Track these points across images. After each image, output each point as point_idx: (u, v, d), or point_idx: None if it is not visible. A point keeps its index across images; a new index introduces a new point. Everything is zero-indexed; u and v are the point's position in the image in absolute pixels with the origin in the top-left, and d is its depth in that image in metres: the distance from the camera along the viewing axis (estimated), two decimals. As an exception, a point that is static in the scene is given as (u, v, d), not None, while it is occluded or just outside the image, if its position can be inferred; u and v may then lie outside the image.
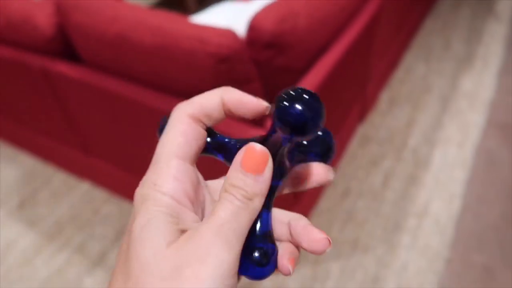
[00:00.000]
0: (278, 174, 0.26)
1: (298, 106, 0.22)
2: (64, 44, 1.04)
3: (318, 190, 1.30)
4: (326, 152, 0.28)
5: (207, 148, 0.27)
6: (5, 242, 1.31)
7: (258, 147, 0.24)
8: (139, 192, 0.24)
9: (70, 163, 1.45)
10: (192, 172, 0.25)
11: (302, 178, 0.28)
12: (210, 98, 0.26)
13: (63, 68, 1.03)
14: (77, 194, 1.43)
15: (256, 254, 0.24)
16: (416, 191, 1.32)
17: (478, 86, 1.70)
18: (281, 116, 0.23)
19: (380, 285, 1.10)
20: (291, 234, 0.26)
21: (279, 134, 0.24)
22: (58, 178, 1.49)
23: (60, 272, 1.22)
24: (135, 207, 0.24)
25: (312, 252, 0.25)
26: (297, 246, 0.26)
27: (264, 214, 0.25)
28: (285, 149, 0.26)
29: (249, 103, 0.26)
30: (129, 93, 0.95)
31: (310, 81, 0.97)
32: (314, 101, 0.23)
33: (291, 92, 0.23)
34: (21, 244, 1.30)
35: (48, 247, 1.29)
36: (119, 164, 1.26)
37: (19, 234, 1.33)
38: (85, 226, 1.33)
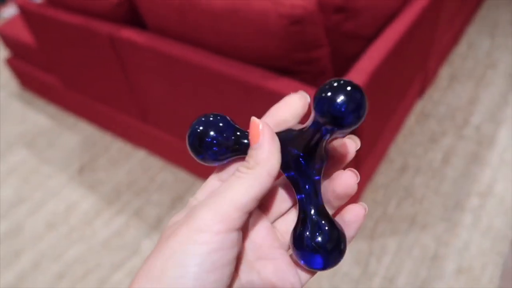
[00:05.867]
0: (318, 167, 0.26)
1: (341, 97, 0.22)
2: (130, 10, 1.05)
3: (374, 165, 1.27)
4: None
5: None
6: (67, 204, 1.38)
7: (252, 120, 0.25)
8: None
9: (127, 131, 1.49)
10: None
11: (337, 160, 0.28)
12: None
13: (129, 34, 1.05)
14: (133, 161, 1.48)
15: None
16: (479, 170, 1.26)
17: (549, 62, 1.59)
18: (322, 107, 0.22)
19: (440, 264, 1.07)
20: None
21: (320, 126, 0.24)
22: (116, 145, 1.54)
23: (119, 234, 1.27)
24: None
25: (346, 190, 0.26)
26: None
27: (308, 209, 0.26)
28: (325, 142, 0.25)
29: (293, 104, 0.27)
30: (193, 58, 0.95)
31: (377, 50, 0.93)
32: (356, 93, 0.22)
33: (334, 83, 0.22)
34: (82, 207, 1.37)
35: (107, 210, 1.34)
36: (176, 133, 1.28)
37: (80, 197, 1.40)
38: (142, 192, 1.37)
